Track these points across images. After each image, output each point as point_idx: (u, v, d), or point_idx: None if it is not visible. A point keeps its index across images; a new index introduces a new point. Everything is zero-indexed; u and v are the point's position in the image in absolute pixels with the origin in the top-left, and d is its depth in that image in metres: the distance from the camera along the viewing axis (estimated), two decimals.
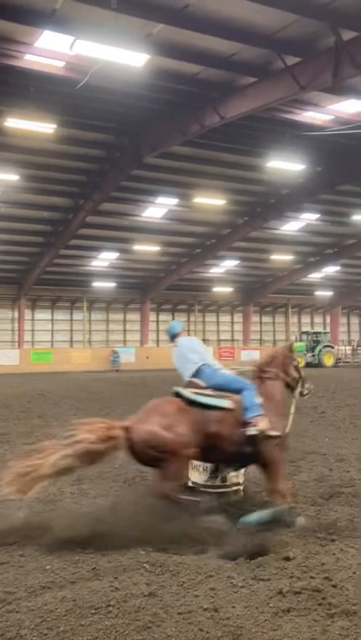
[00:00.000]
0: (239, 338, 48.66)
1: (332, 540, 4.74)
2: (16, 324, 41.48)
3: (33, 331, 42.56)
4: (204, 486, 5.66)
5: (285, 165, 24.22)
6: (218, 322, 49.01)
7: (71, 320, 44.28)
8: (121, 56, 14.40)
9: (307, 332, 43.69)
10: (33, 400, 17.48)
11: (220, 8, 14.20)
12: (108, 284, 41.82)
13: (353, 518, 5.31)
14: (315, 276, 44.48)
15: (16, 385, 24.53)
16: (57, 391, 20.79)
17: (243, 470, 5.84)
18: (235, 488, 5.74)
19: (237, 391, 5.39)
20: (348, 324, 54.44)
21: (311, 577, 4.08)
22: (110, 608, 3.64)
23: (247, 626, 3.44)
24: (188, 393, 5.34)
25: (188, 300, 46.57)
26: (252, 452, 5.22)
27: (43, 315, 43.27)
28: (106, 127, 22.44)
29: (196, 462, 5.59)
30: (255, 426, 5.13)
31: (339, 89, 17.76)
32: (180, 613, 3.59)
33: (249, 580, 4.05)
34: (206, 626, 3.44)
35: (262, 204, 31.52)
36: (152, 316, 45.86)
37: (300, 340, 41.12)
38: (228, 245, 36.10)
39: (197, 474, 5.69)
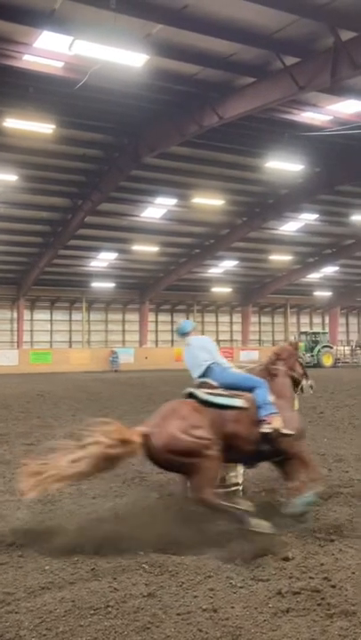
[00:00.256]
0: (238, 338, 48.67)
1: (331, 541, 4.74)
2: (15, 325, 41.49)
3: (32, 331, 42.56)
4: None
5: (284, 166, 24.25)
6: (217, 322, 49.02)
7: (70, 320, 44.28)
8: (120, 56, 14.41)
9: (306, 333, 43.73)
10: (32, 400, 17.47)
11: (219, 8, 14.22)
12: (107, 285, 41.82)
13: (352, 518, 5.31)
14: (313, 276, 44.52)
15: (15, 385, 24.52)
16: (56, 391, 20.78)
17: (242, 470, 5.85)
18: (234, 488, 5.73)
19: (249, 389, 5.35)
20: (347, 324, 54.48)
21: (310, 577, 4.08)
22: (109, 609, 3.64)
23: (246, 626, 3.44)
24: (202, 394, 5.26)
25: (187, 300, 46.59)
26: (270, 449, 5.21)
27: (42, 315, 43.27)
28: (105, 127, 22.45)
29: None
30: (269, 424, 5.12)
31: (337, 89, 17.78)
32: (179, 614, 3.59)
33: (248, 580, 4.05)
34: (205, 626, 3.44)
35: (261, 205, 31.54)
36: (151, 317, 45.88)
37: (299, 341, 41.13)
38: (226, 246, 36.12)
39: None
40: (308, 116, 20.46)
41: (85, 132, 22.64)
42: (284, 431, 5.14)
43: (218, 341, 47.45)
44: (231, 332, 49.11)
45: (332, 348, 42.81)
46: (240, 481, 5.84)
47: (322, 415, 13.09)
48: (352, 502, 5.89)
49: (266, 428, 5.11)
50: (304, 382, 6.06)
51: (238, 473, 5.78)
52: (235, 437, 5.09)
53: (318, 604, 3.69)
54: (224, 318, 49.29)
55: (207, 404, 5.16)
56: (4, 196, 27.19)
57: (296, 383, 5.99)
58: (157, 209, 30.81)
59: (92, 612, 3.61)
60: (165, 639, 3.32)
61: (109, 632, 3.38)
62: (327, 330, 48.66)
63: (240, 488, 5.84)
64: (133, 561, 4.35)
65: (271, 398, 5.32)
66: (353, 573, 4.13)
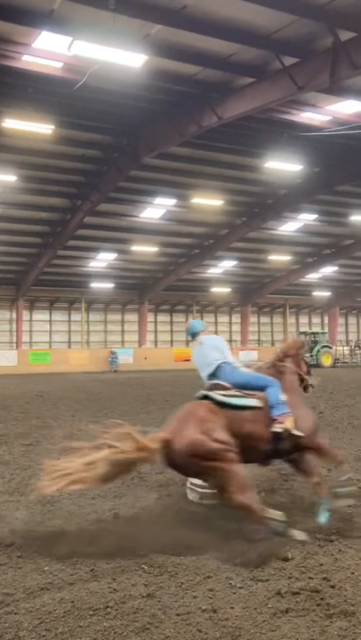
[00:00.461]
0: (237, 338, 48.67)
1: (331, 541, 4.74)
2: (14, 325, 41.49)
3: (31, 331, 42.55)
4: (202, 487, 5.65)
5: (283, 166, 24.26)
6: (216, 322, 49.01)
7: (69, 321, 44.28)
8: (119, 57, 14.42)
9: (305, 333, 43.70)
10: (31, 401, 17.46)
11: (218, 9, 14.22)
12: (106, 285, 41.82)
13: (351, 518, 5.31)
14: (313, 276, 44.54)
15: (14, 386, 24.51)
16: (55, 392, 20.78)
17: None
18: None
19: (261, 388, 5.33)
20: (346, 324, 54.50)
21: (310, 577, 4.08)
22: (109, 609, 3.64)
23: (246, 627, 3.44)
24: (218, 395, 5.20)
25: (187, 300, 46.60)
26: (288, 446, 5.21)
27: (41, 315, 43.26)
28: (104, 128, 22.45)
29: None
30: (281, 423, 5.11)
31: (336, 89, 17.79)
32: (178, 614, 3.59)
33: (247, 580, 4.05)
34: (205, 627, 3.44)
35: (260, 205, 31.55)
36: (150, 317, 45.89)
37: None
38: (226, 246, 36.13)
39: None
40: (307, 117, 20.47)
41: (84, 132, 22.64)
42: (296, 432, 5.15)
43: None
44: (230, 332, 49.10)
45: (331, 348, 42.81)
46: None
47: (321, 415, 13.06)
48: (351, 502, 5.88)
49: (277, 428, 5.10)
50: (308, 380, 6.07)
51: None
52: (253, 437, 5.07)
53: (318, 605, 3.69)
54: (223, 318, 49.30)
55: (223, 405, 5.12)
56: (4, 197, 27.19)
57: (301, 381, 6.00)
58: (157, 209, 30.81)
59: (92, 612, 3.60)
60: None
61: (109, 633, 3.37)
62: (326, 330, 48.66)
63: None
64: (133, 561, 4.35)
65: (284, 397, 5.32)
66: (352, 573, 4.13)
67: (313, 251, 40.66)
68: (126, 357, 41.62)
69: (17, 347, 40.43)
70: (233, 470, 4.73)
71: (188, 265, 39.27)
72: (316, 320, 53.69)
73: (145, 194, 28.77)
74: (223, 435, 4.83)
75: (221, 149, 24.31)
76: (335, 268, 43.83)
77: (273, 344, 47.59)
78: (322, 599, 3.75)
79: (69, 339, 44.17)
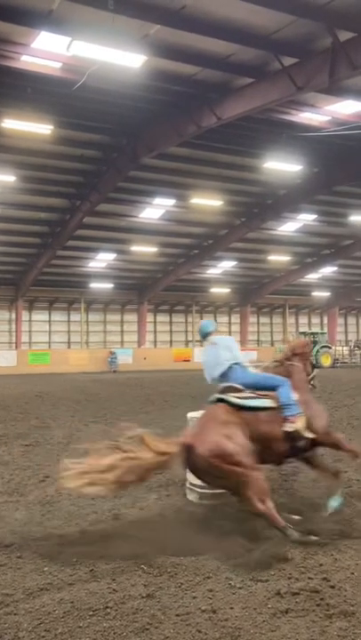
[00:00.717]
0: (237, 339, 48.60)
1: (331, 541, 4.74)
2: (13, 326, 41.47)
3: (30, 332, 42.53)
4: (201, 487, 5.65)
5: (282, 166, 24.24)
6: (215, 322, 48.94)
7: (68, 321, 44.26)
8: (118, 57, 14.40)
9: (304, 333, 43.68)
10: (30, 401, 17.46)
11: (217, 9, 14.21)
12: (106, 285, 41.80)
13: (351, 519, 5.30)
14: (312, 276, 44.52)
15: (13, 386, 24.51)
16: (54, 392, 20.77)
17: None
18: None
19: (272, 388, 5.34)
20: (346, 324, 54.50)
21: (309, 578, 4.08)
22: (108, 610, 3.64)
23: (245, 627, 3.44)
24: (233, 398, 5.20)
25: (186, 300, 46.58)
26: (305, 444, 5.24)
27: (40, 316, 43.24)
28: (103, 128, 22.43)
29: None
30: (292, 423, 5.13)
31: (335, 90, 17.78)
32: (178, 615, 3.58)
33: (247, 581, 4.05)
34: (204, 627, 3.44)
35: (259, 205, 31.55)
36: (149, 317, 45.88)
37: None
38: (225, 246, 36.11)
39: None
40: (306, 117, 20.45)
41: (83, 132, 22.61)
42: (306, 434, 5.16)
43: None
44: (230, 332, 49.05)
45: (330, 348, 42.81)
46: None
47: None
48: (351, 502, 5.88)
49: (289, 427, 5.12)
50: (312, 381, 6.10)
51: None
52: (269, 438, 5.09)
53: (317, 605, 3.69)
54: (223, 319, 49.26)
55: (240, 407, 5.12)
56: (3, 197, 27.16)
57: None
58: (156, 209, 30.79)
59: (91, 613, 3.61)
60: None
61: (108, 633, 3.37)
62: (326, 330, 48.67)
63: None
64: (132, 562, 4.35)
65: (295, 396, 5.33)
66: (352, 574, 4.13)
67: (312, 251, 40.66)
68: (125, 357, 41.62)
69: (16, 347, 40.42)
70: (253, 476, 4.73)
71: (187, 265, 39.26)
72: (315, 320, 53.69)
73: (144, 194, 28.75)
74: (243, 438, 4.85)
75: (220, 150, 24.30)
76: (334, 269, 43.82)
77: (272, 344, 47.62)
78: (322, 599, 3.75)
79: (69, 339, 44.16)
